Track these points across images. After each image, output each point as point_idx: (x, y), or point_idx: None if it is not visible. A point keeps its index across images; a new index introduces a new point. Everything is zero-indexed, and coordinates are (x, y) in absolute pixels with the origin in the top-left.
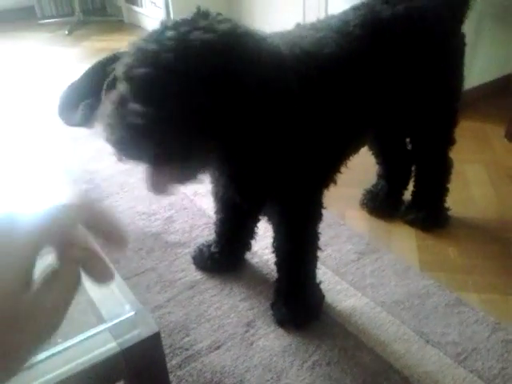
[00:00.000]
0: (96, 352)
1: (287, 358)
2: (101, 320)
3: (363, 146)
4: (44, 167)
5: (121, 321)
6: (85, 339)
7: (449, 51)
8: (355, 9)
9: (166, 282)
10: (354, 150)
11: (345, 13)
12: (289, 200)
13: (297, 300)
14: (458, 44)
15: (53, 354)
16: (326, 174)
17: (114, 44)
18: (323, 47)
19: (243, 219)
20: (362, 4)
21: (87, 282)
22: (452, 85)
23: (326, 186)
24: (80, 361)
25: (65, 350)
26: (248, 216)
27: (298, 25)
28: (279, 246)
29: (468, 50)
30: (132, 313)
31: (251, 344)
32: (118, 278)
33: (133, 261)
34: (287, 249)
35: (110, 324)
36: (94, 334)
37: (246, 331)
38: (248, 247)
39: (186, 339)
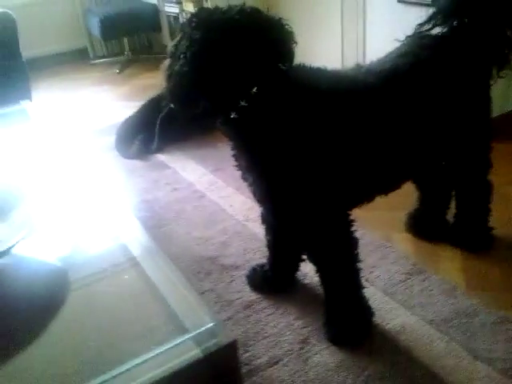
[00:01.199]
0: (182, 358)
1: (341, 373)
2: (184, 330)
3: (400, 184)
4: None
5: (202, 330)
6: (171, 347)
7: (480, 88)
8: (401, 56)
9: (224, 301)
10: (387, 185)
11: (393, 59)
12: (309, 223)
13: (346, 319)
14: (487, 79)
15: (145, 361)
16: (348, 200)
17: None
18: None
19: (288, 241)
20: (406, 52)
21: (171, 299)
22: (483, 114)
23: (349, 209)
24: (168, 366)
25: (154, 356)
26: (291, 238)
27: (358, 64)
28: (316, 270)
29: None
30: (212, 323)
31: (307, 360)
32: (195, 293)
33: (192, 282)
34: (320, 272)
35: (193, 333)
36: (180, 343)
37: (301, 348)
38: (297, 268)
39: (246, 355)
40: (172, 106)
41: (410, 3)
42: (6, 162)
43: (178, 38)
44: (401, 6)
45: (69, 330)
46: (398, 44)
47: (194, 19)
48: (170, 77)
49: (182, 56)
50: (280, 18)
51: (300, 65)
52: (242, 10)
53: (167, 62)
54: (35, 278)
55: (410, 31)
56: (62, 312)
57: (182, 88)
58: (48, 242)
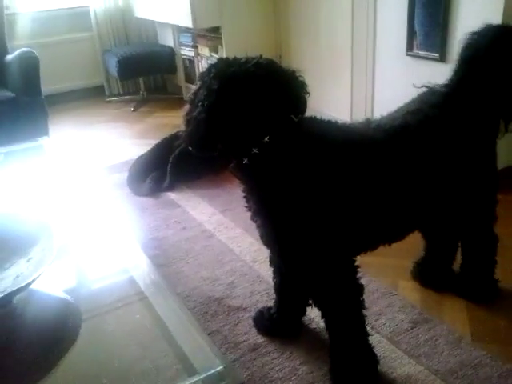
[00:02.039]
0: None
1: None
2: (193, 372)
3: (405, 236)
4: (114, 234)
5: (212, 373)
6: None
7: (487, 143)
8: (411, 113)
9: (230, 343)
10: (392, 236)
11: (402, 116)
12: (314, 268)
13: (351, 366)
14: (493, 134)
15: None
16: (353, 248)
17: (174, 120)
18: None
19: (295, 285)
20: (418, 109)
21: (180, 338)
22: (489, 168)
23: (354, 256)
24: None
25: None
26: (297, 282)
27: (368, 119)
28: (322, 315)
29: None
30: (222, 366)
31: None
32: (204, 333)
33: (199, 323)
34: (326, 318)
35: (203, 376)
36: None
37: None
38: (303, 312)
39: None
40: (190, 148)
41: (418, 57)
42: (24, 197)
43: (197, 87)
44: (409, 58)
45: (79, 366)
46: (406, 97)
47: (212, 69)
48: (188, 122)
49: (199, 104)
50: (294, 70)
51: (311, 117)
52: (258, 63)
53: (187, 107)
54: (50, 312)
55: (417, 83)
56: (73, 348)
57: (198, 133)
58: (61, 276)
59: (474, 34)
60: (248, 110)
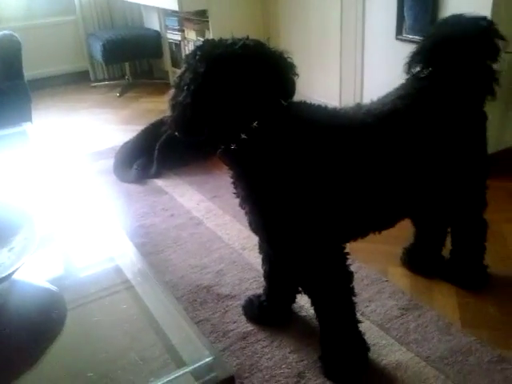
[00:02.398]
0: None
1: None
2: (182, 363)
3: (395, 223)
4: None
5: (201, 364)
6: (169, 380)
7: (473, 126)
8: (400, 98)
9: (219, 332)
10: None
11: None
12: (303, 255)
13: (341, 353)
14: (482, 119)
15: None
16: (342, 234)
17: (160, 105)
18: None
19: (285, 272)
20: (406, 94)
21: (167, 328)
22: (479, 153)
23: (343, 242)
24: None
25: None
26: (287, 269)
27: (358, 104)
28: (312, 303)
29: (501, 114)
30: (211, 357)
31: None
32: (192, 323)
33: (188, 311)
34: (315, 305)
35: (191, 367)
36: (178, 376)
37: (297, 382)
38: (293, 300)
39: None
40: (176, 133)
41: (408, 41)
42: (6, 185)
43: (182, 70)
44: (398, 43)
45: (65, 359)
46: (395, 81)
47: (198, 52)
48: (174, 107)
49: (185, 88)
50: (282, 52)
51: (301, 101)
52: (245, 45)
53: (172, 92)
54: (33, 303)
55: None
56: (58, 340)
57: (185, 118)
58: (45, 265)
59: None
60: (235, 93)
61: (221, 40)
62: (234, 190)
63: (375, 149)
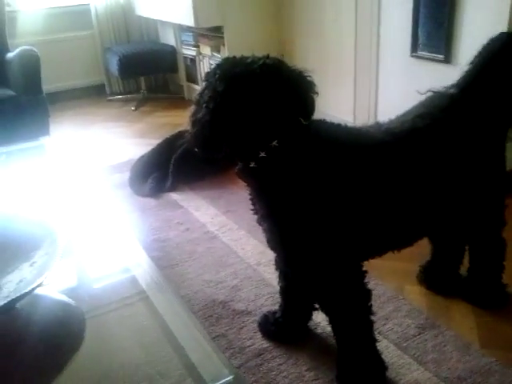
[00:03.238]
0: None
1: None
2: (200, 380)
3: (413, 242)
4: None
5: (221, 383)
6: None
7: (495, 148)
8: (420, 117)
9: (235, 348)
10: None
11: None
12: (321, 273)
13: (358, 373)
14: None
15: None
16: (361, 253)
17: (175, 119)
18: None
19: (301, 289)
20: (426, 113)
21: (185, 343)
22: (497, 173)
23: (361, 261)
24: None
25: None
26: (303, 287)
27: (377, 122)
28: (329, 321)
29: None
30: (231, 377)
31: None
32: (211, 341)
33: (204, 326)
34: (333, 323)
35: None
36: None
37: None
38: (309, 317)
39: None
40: (195, 149)
41: (423, 58)
42: (25, 198)
43: (202, 87)
44: (413, 60)
45: (82, 372)
46: (410, 98)
47: (217, 70)
48: (194, 123)
49: (204, 106)
50: (301, 70)
51: (320, 120)
52: (264, 64)
53: (192, 108)
54: (53, 318)
55: (422, 86)
56: (77, 353)
57: (203, 135)
58: (63, 277)
59: (489, 40)
60: (254, 112)
61: (241, 58)
62: (250, 206)
63: (395, 168)
